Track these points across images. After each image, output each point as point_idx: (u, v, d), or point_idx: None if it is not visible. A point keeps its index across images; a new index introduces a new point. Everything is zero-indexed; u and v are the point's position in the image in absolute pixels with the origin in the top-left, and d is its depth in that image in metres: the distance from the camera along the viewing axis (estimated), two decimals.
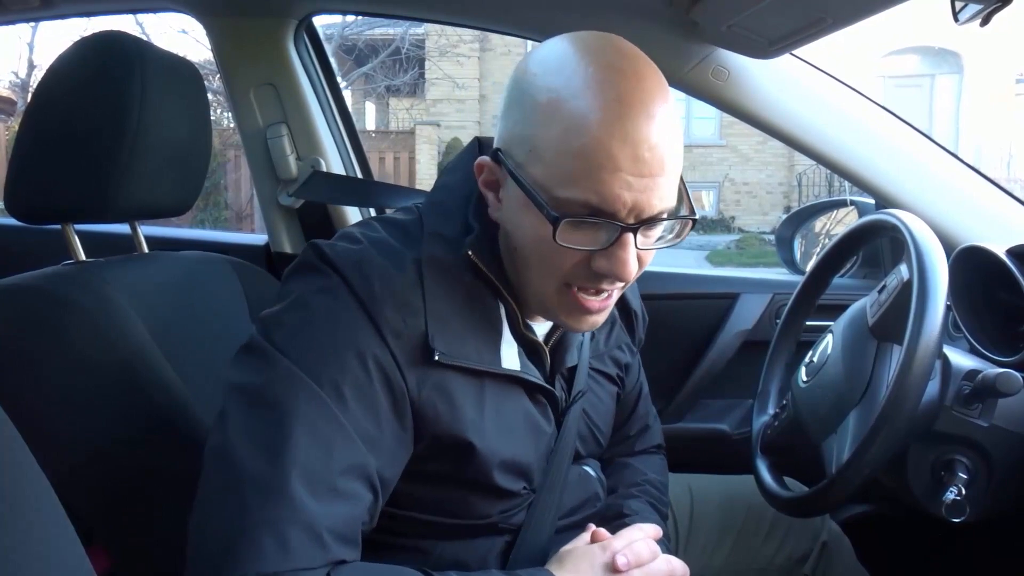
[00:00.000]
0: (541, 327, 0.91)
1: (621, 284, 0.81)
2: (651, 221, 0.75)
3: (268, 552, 0.68)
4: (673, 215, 0.78)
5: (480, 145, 0.91)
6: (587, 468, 1.03)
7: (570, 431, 0.96)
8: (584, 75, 0.74)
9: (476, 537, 0.90)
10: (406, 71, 11.93)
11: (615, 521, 1.00)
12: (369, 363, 0.75)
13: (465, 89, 12.75)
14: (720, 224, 13.11)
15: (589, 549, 0.85)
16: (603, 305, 0.82)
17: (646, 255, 0.79)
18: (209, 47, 1.73)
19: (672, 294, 1.71)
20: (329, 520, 0.72)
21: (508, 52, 12.75)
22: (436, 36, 11.98)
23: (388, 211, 1.54)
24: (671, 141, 0.74)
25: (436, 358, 0.78)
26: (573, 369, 0.96)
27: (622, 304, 1.09)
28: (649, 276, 1.78)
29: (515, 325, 0.87)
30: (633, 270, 0.77)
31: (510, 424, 0.87)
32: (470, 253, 0.82)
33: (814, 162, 1.46)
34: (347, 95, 14.64)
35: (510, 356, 0.86)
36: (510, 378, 0.86)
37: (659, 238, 0.80)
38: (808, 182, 12.41)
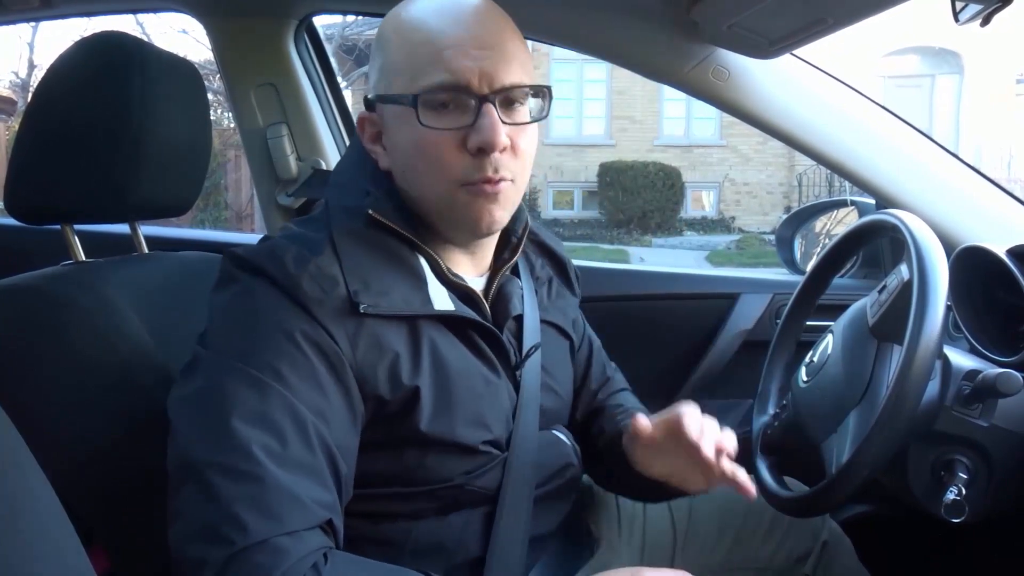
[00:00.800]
0: (475, 282, 0.93)
1: (506, 167, 0.84)
2: (505, 92, 0.83)
3: (251, 524, 0.69)
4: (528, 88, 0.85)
5: None
6: (557, 433, 1.03)
7: (531, 387, 0.96)
8: None
9: (448, 513, 0.89)
10: None
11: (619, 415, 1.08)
12: (299, 339, 0.77)
13: None
14: (720, 224, 13.11)
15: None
16: (496, 189, 0.85)
17: (519, 137, 0.85)
18: (209, 47, 1.73)
19: (672, 294, 1.71)
20: (305, 489, 0.73)
21: None
22: None
23: None
24: (503, 20, 0.86)
25: (362, 310, 0.80)
26: (519, 321, 0.97)
27: (552, 255, 1.10)
28: (649, 276, 1.80)
29: (439, 273, 0.89)
30: (503, 140, 0.82)
31: (455, 371, 0.86)
32: (370, 211, 0.86)
33: (814, 162, 1.47)
34: (348, 95, 14.64)
35: (441, 300, 0.87)
36: (446, 323, 0.87)
37: (527, 121, 0.87)
38: (808, 182, 12.41)
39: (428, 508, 0.88)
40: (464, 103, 0.82)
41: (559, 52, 10.48)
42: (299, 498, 0.72)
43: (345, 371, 0.79)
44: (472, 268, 0.94)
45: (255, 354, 0.76)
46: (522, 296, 0.98)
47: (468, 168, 0.83)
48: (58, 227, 1.06)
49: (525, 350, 0.95)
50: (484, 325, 0.90)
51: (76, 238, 1.07)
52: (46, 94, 1.00)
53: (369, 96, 0.88)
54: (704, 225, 12.97)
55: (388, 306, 0.82)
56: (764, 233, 11.78)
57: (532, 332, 0.98)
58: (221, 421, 0.73)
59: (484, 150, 0.82)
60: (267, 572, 0.67)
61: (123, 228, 1.21)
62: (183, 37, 13.65)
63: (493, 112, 0.81)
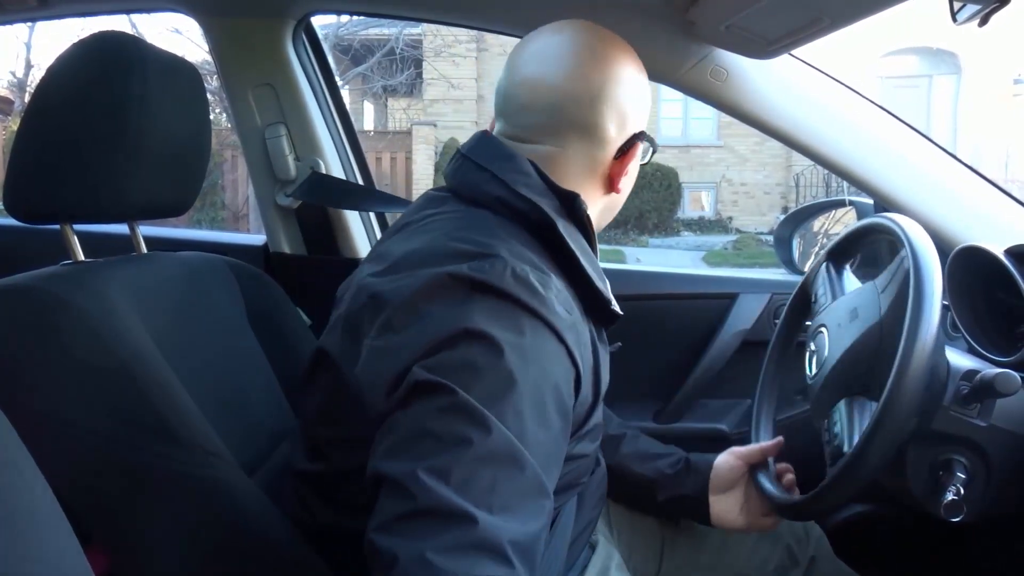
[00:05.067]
0: None
1: None
2: None
3: None
4: None
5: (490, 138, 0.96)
6: None
7: None
8: (620, 50, 0.94)
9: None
10: (401, 71, 11.91)
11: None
12: (552, 386, 0.75)
13: (461, 89, 12.74)
14: (718, 225, 13.11)
15: None
16: None
17: None
18: (205, 48, 1.72)
19: (671, 294, 1.71)
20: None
21: (504, 52, 12.71)
22: (433, 36, 11.97)
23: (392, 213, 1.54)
24: None
25: (614, 307, 0.89)
26: None
27: None
28: (647, 276, 1.81)
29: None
30: None
31: (604, 372, 0.90)
32: (589, 213, 0.90)
33: (812, 163, 1.47)
34: (345, 95, 14.61)
35: (614, 299, 0.93)
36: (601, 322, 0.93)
37: None
38: (806, 182, 12.41)
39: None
40: None
41: None
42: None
43: (570, 412, 0.78)
44: None
45: (506, 400, 0.71)
46: None
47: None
48: (57, 227, 1.06)
49: None
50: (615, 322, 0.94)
51: (75, 238, 1.07)
52: (46, 94, 1.00)
53: (640, 132, 0.95)
54: (701, 225, 12.96)
55: (616, 305, 0.89)
56: (761, 233, 11.78)
57: None
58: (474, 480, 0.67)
59: None
60: None
61: (122, 228, 1.21)
62: (179, 38, 13.56)
63: None
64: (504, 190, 0.86)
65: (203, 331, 1.12)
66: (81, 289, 0.95)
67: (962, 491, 0.94)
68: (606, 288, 0.89)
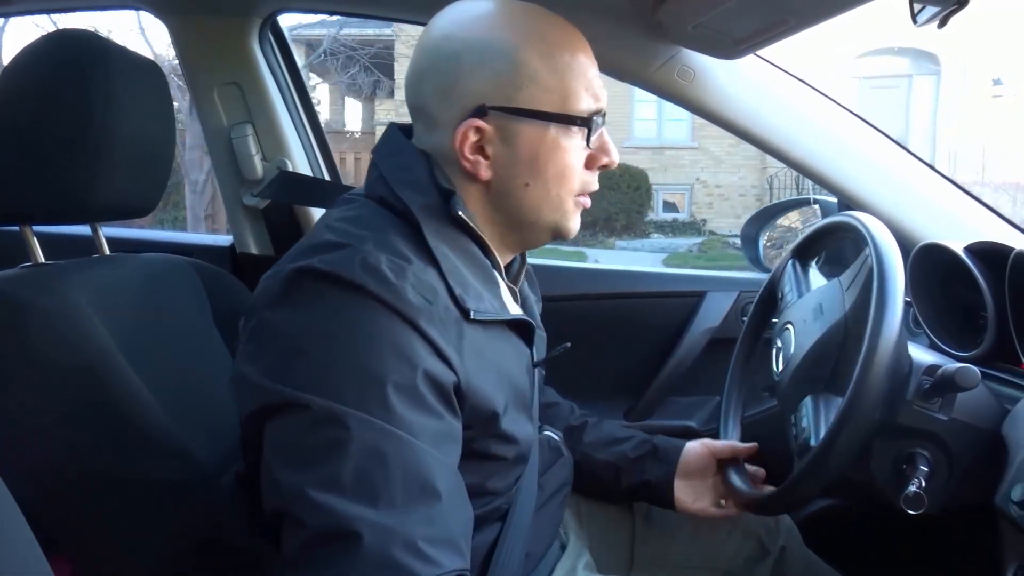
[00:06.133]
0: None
1: None
2: None
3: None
4: None
5: (401, 130, 0.92)
6: (549, 433, 1.06)
7: (537, 387, 0.97)
8: (518, 9, 0.85)
9: (486, 523, 0.89)
10: (358, 73, 11.77)
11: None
12: (412, 366, 0.72)
13: None
14: (691, 227, 13.17)
15: None
16: (588, 201, 0.91)
17: None
18: (155, 51, 1.70)
19: (640, 292, 1.72)
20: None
21: None
22: (405, 36, 11.91)
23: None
24: None
25: (473, 316, 0.79)
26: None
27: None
28: (617, 275, 1.81)
29: (500, 274, 0.90)
30: None
31: (514, 370, 0.87)
32: (460, 214, 0.83)
33: (785, 165, 1.48)
34: (327, 94, 14.49)
35: (511, 303, 0.89)
36: (509, 326, 0.87)
37: None
38: (779, 184, 12.51)
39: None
40: (597, 126, 0.87)
41: None
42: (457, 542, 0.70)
43: (451, 394, 0.76)
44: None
45: (367, 393, 0.69)
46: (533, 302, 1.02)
47: (587, 181, 0.89)
48: (16, 228, 1.04)
49: (535, 351, 0.95)
50: (536, 330, 0.91)
51: (35, 240, 1.05)
52: (5, 91, 0.98)
53: (490, 109, 0.82)
54: (675, 227, 13.02)
55: (488, 310, 0.81)
56: (733, 236, 11.86)
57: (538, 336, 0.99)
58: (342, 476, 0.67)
59: (607, 167, 0.90)
60: None
61: (83, 230, 1.19)
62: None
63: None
64: (385, 189, 0.84)
65: (168, 333, 1.10)
66: (43, 292, 0.93)
67: (924, 484, 0.95)
68: (479, 297, 0.82)
